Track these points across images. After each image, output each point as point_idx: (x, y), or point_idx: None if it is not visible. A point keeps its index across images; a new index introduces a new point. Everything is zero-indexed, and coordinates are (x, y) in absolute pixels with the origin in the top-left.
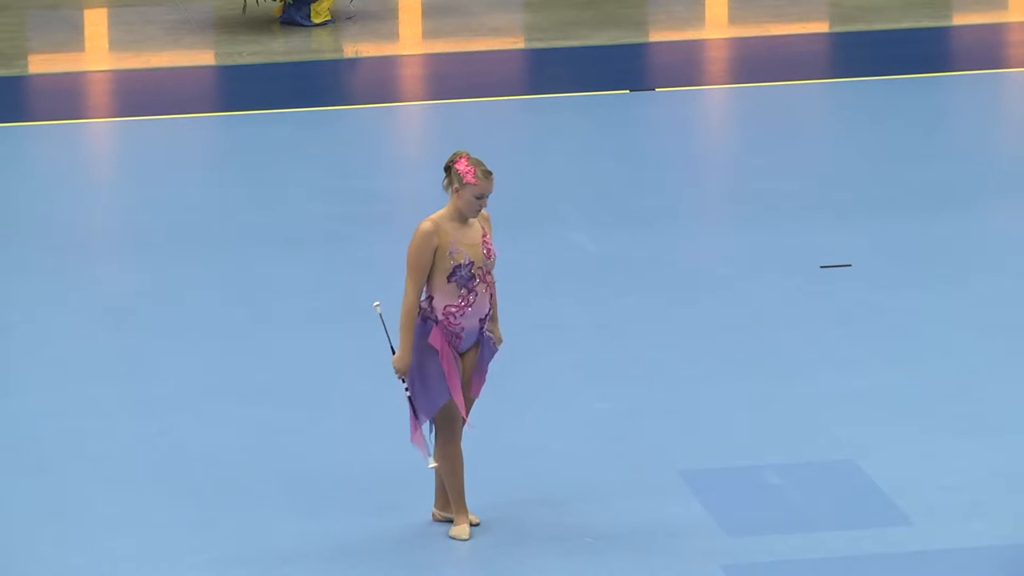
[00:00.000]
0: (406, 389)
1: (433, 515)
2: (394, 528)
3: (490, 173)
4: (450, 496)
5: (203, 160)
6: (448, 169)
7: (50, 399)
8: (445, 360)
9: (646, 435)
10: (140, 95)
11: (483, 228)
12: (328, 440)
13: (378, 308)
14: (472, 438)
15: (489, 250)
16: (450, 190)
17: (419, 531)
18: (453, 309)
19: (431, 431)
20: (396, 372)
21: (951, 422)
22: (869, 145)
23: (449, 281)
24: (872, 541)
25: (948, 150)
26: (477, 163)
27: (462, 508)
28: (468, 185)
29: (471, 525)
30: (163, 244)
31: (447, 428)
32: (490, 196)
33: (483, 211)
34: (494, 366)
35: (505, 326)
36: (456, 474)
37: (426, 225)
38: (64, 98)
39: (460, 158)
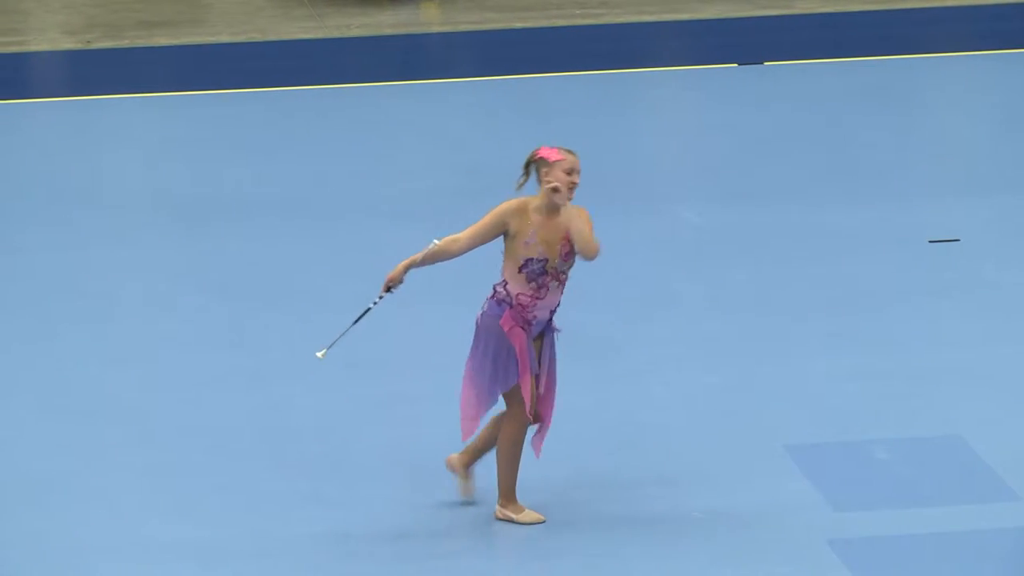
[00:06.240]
0: (377, 300)
1: (450, 461)
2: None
3: (572, 150)
4: (502, 481)
5: (310, 132)
6: (528, 164)
7: (160, 369)
8: (517, 341)
9: (753, 409)
10: (249, 67)
11: (568, 227)
12: (442, 413)
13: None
14: (580, 411)
15: (568, 253)
16: (533, 184)
17: (539, 506)
18: (524, 299)
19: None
20: (387, 280)
21: None
22: (979, 119)
23: (520, 272)
24: (980, 517)
25: None
26: (557, 147)
27: (511, 495)
28: (556, 162)
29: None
30: (272, 215)
31: (515, 408)
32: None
33: (583, 211)
34: (602, 340)
35: (613, 301)
36: (514, 460)
37: (513, 200)
38: (173, 70)
39: (538, 148)
